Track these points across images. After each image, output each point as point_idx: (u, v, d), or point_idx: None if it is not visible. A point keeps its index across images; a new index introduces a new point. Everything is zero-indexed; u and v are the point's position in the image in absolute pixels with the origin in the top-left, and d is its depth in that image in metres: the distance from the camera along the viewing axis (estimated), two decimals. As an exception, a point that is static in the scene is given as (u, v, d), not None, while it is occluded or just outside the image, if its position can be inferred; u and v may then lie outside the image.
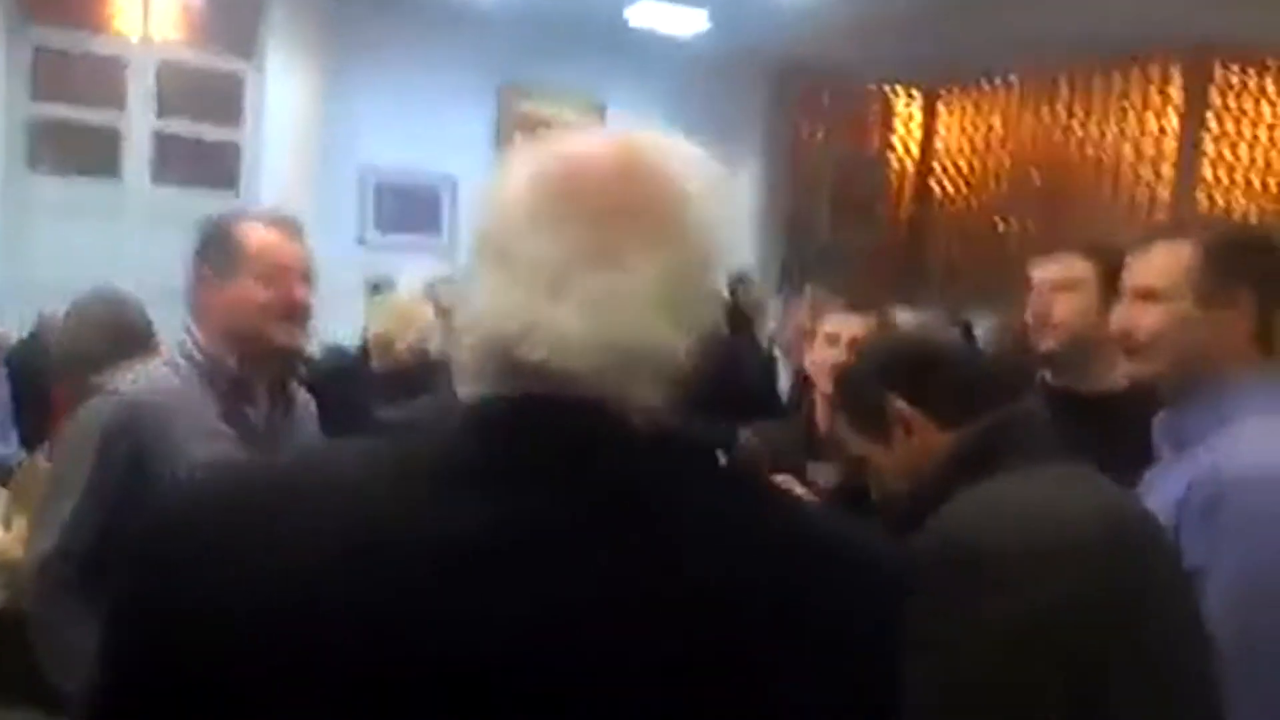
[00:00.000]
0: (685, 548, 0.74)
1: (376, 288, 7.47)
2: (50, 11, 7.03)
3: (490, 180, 0.84)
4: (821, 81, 9.56)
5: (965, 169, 9.71)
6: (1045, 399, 2.00)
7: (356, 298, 7.34)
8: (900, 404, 1.33)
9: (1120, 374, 1.81)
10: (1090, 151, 8.37)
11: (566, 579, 0.71)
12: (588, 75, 8.51)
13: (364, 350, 3.64)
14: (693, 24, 7.72)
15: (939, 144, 9.99)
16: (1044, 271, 2.15)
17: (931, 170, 10.03)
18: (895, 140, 10.11)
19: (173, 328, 6.00)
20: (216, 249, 1.93)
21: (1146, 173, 7.92)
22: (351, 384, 3.15)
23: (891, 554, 0.87)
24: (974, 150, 9.60)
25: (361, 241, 8.06)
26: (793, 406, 4.45)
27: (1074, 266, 2.11)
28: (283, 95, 7.54)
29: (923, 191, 10.07)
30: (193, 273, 1.96)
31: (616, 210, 0.79)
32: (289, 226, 1.97)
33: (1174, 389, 1.50)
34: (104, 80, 7.23)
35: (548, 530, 0.71)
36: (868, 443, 1.38)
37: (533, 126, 8.57)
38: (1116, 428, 1.63)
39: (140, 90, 7.32)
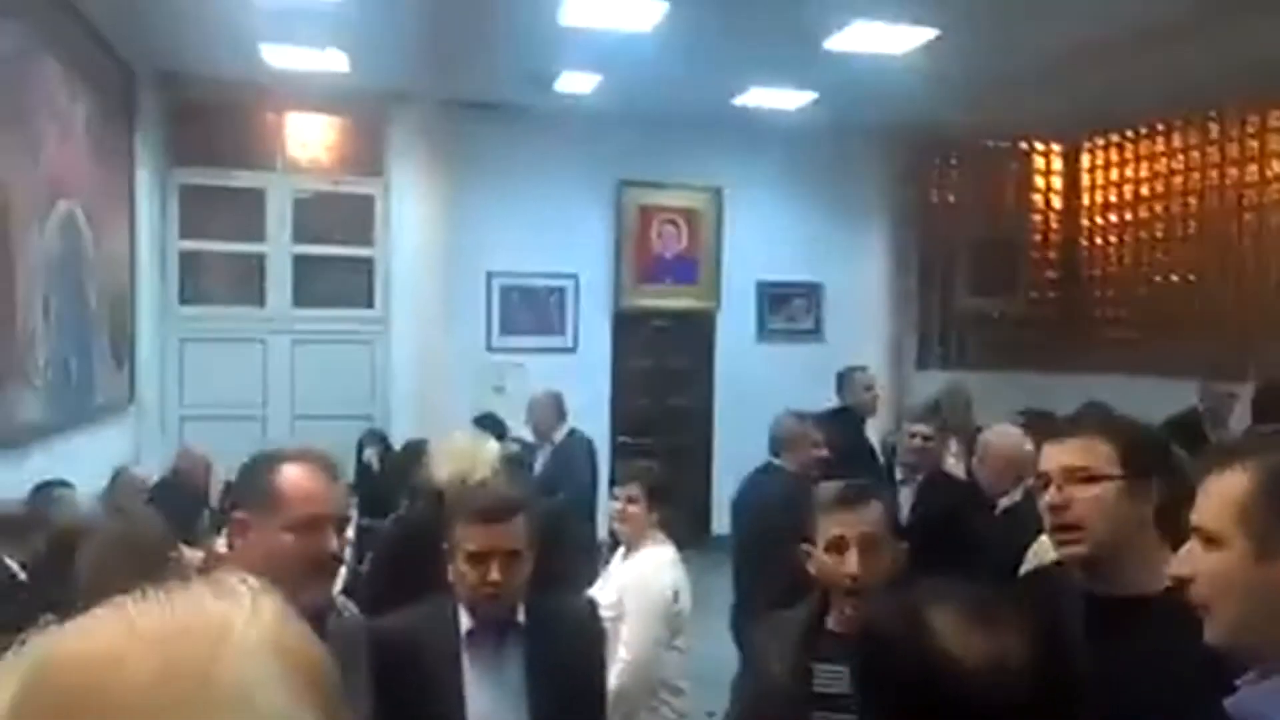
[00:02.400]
0: None
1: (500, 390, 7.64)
2: (193, 152, 7.56)
3: None
4: (948, 144, 9.21)
5: (1115, 222, 9.07)
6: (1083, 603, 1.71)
7: (485, 398, 7.49)
8: None
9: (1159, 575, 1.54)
10: (1248, 194, 7.67)
11: None
12: (704, 163, 8.49)
13: (439, 497, 3.57)
14: (800, 100, 7.58)
15: (1085, 199, 9.40)
16: (1059, 457, 1.77)
17: (1079, 227, 9.44)
18: (1035, 199, 9.58)
19: (319, 446, 6.16)
20: (251, 490, 1.79)
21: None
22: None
23: None
24: (1123, 202, 8.97)
25: (489, 346, 8.20)
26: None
27: (1093, 450, 1.73)
28: (410, 211, 7.83)
29: (1070, 250, 9.47)
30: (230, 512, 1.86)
31: None
32: (325, 467, 1.82)
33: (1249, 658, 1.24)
34: (245, 213, 7.69)
35: None
36: None
37: (651, 218, 8.60)
38: (1158, 633, 1.49)
39: (278, 219, 7.75)
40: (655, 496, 3.35)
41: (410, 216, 7.83)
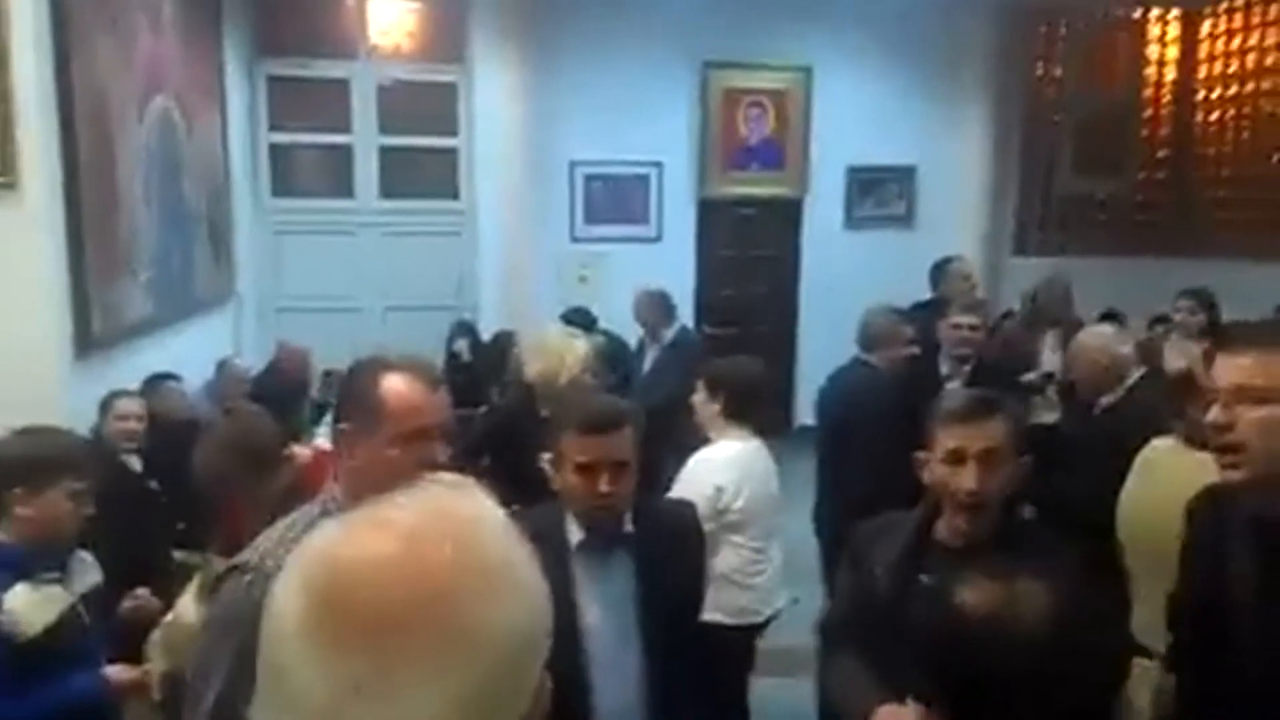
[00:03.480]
0: None
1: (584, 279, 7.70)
2: (277, 41, 7.57)
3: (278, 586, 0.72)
4: (1055, 13, 8.65)
5: (1235, 95, 8.46)
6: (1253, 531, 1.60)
7: (569, 289, 7.57)
8: None
9: None
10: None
11: None
12: (792, 42, 8.15)
13: (528, 390, 3.64)
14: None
15: (1201, 71, 8.78)
16: (1230, 374, 1.64)
17: (1193, 103, 8.84)
18: (1148, 73, 8.98)
19: (410, 337, 6.33)
20: (356, 403, 1.78)
21: None
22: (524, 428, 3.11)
23: None
24: (1244, 73, 8.35)
25: (574, 237, 8.19)
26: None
27: (1270, 368, 1.60)
28: (492, 98, 7.72)
29: (1183, 128, 8.90)
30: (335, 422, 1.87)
31: (394, 629, 0.67)
32: (427, 375, 1.81)
33: None
34: (330, 103, 7.70)
35: None
36: None
37: (737, 101, 8.35)
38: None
39: (363, 109, 7.75)
40: (720, 390, 3.27)
41: (492, 104, 7.71)
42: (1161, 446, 2.54)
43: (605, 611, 2.10)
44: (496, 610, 0.70)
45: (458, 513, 0.75)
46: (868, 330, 4.07)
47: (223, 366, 5.34)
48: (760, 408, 3.34)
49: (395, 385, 1.74)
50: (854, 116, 8.32)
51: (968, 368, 4.11)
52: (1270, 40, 8.07)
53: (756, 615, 3.29)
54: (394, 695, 0.66)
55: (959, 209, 8.46)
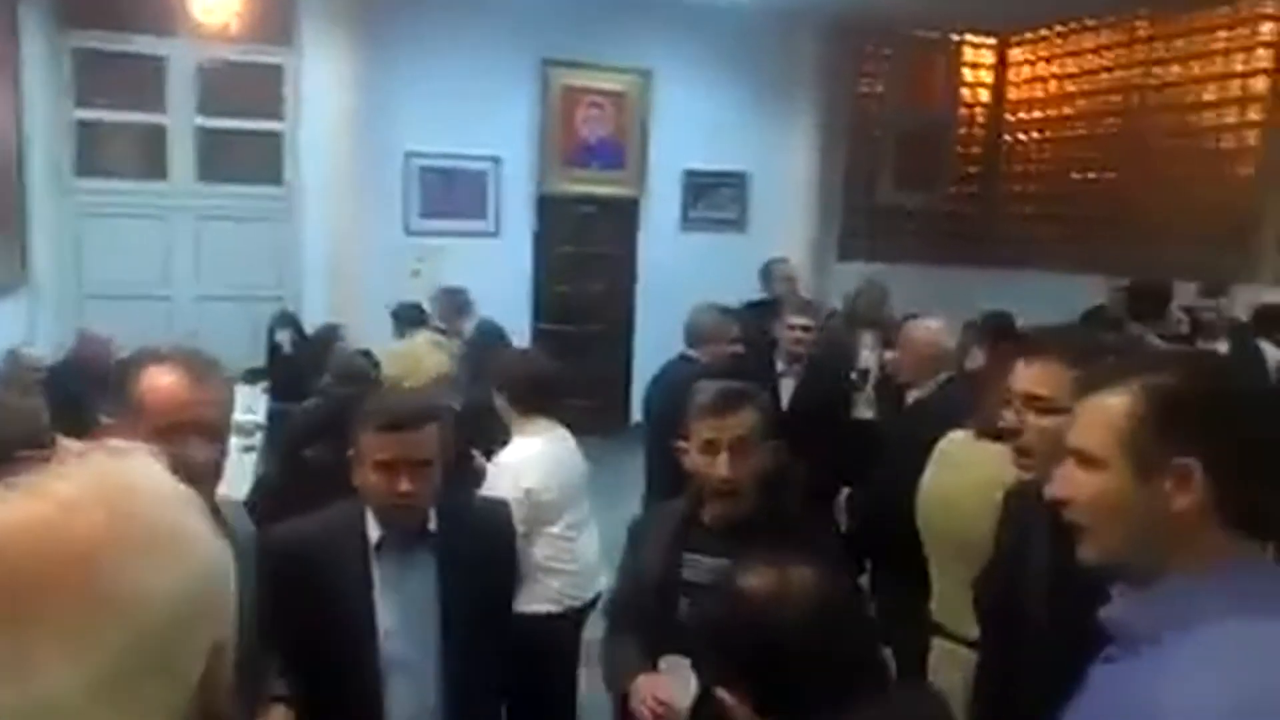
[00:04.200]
0: None
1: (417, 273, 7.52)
2: (87, 14, 7.04)
3: None
4: (881, 34, 9.07)
5: (1039, 118, 9.12)
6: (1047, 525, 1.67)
7: (401, 283, 7.38)
8: None
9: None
10: (1172, 95, 7.75)
11: None
12: (632, 44, 8.22)
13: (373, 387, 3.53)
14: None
15: (1011, 94, 9.40)
16: (1021, 382, 1.77)
17: (1003, 122, 9.46)
18: (963, 93, 9.55)
19: (226, 329, 5.98)
20: (114, 392, 1.68)
21: (1232, 117, 7.29)
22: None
23: None
24: (1048, 99, 9.00)
25: (408, 230, 7.98)
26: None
27: (1054, 379, 1.72)
28: (322, 83, 7.43)
29: (993, 147, 9.51)
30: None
31: (29, 594, 0.64)
32: (195, 369, 1.68)
33: (1124, 574, 1.21)
34: (145, 81, 7.23)
35: None
36: None
37: (577, 100, 8.35)
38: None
39: (181, 89, 7.31)
40: (505, 388, 3.21)
41: (321, 90, 7.41)
42: (956, 438, 2.68)
43: (404, 612, 2.04)
44: (151, 577, 0.67)
45: (119, 480, 0.72)
46: (693, 327, 4.14)
47: (11, 356, 4.92)
48: (552, 398, 3.29)
49: (155, 379, 1.64)
50: (691, 122, 8.46)
51: (799, 365, 4.25)
52: (1071, 68, 8.73)
53: (577, 600, 3.28)
54: (31, 673, 0.63)
55: (789, 215, 8.75)
